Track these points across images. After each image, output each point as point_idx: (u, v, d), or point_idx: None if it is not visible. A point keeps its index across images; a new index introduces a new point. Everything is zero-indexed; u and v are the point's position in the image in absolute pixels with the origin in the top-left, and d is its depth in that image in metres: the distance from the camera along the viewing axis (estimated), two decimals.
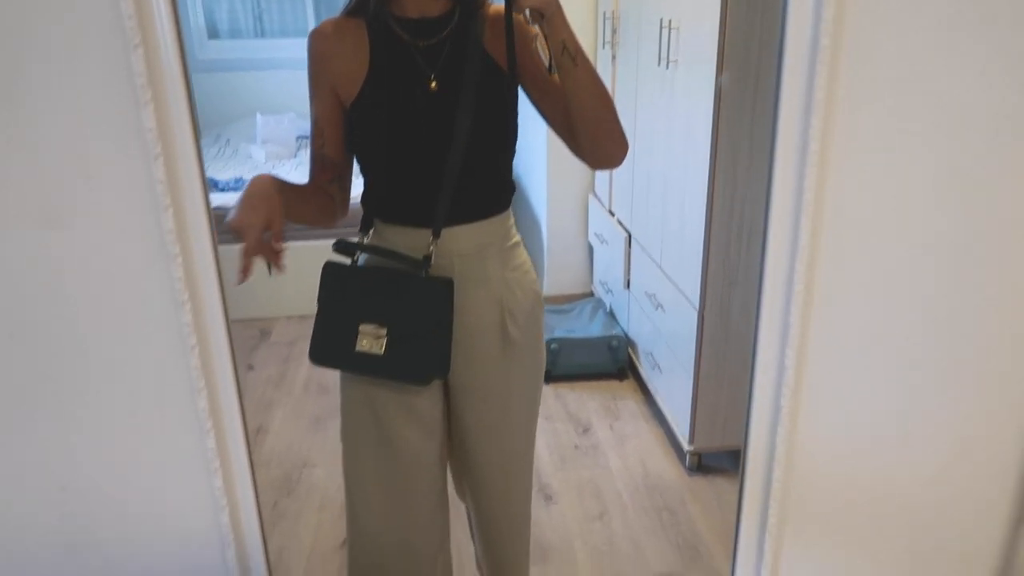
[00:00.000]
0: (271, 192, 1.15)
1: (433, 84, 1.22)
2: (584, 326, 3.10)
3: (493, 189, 1.31)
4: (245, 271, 1.10)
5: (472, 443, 1.41)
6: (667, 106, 2.44)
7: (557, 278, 3.62)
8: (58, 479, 1.29)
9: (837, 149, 1.19)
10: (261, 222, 1.11)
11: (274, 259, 1.14)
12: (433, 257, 1.25)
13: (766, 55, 2.01)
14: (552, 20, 1.09)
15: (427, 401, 1.34)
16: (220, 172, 4.21)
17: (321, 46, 1.26)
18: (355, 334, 1.26)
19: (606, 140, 1.23)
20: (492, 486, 1.45)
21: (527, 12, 1.09)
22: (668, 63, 2.37)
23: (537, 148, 3.54)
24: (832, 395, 1.34)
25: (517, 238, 1.36)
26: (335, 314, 1.28)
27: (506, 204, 1.33)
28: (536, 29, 1.14)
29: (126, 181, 1.14)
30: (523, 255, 1.38)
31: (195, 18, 5.17)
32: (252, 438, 2.66)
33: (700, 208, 2.19)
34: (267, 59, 5.24)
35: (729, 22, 1.97)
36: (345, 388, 1.37)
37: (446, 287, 1.25)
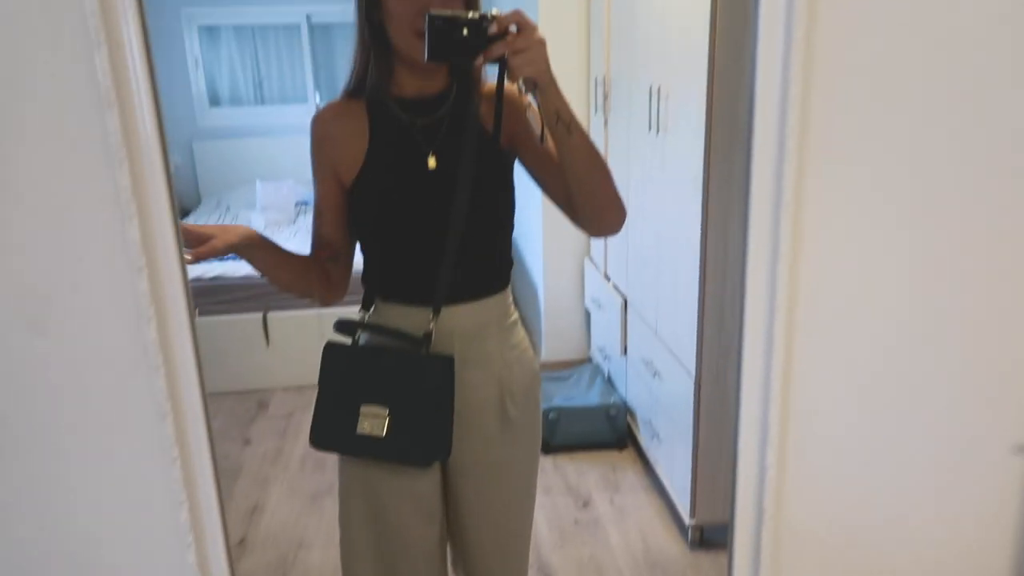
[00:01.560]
0: (248, 232, 1.22)
1: (432, 162, 1.23)
2: (582, 394, 3.06)
3: (492, 267, 1.32)
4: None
5: (470, 524, 1.39)
6: (659, 171, 2.44)
7: (555, 344, 3.59)
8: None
9: (810, 212, 1.18)
10: (216, 234, 1.18)
11: (192, 239, 1.17)
12: (433, 335, 1.25)
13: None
14: (546, 90, 1.10)
15: (427, 484, 1.33)
16: None
17: (321, 130, 1.29)
18: (356, 416, 1.25)
19: (604, 208, 1.23)
20: (490, 567, 1.42)
21: (520, 81, 1.09)
22: (658, 129, 2.39)
23: (532, 213, 3.56)
24: (818, 458, 1.31)
25: (516, 316, 1.37)
26: (336, 396, 1.28)
27: (506, 282, 1.34)
28: (529, 98, 1.15)
29: (110, 292, 1.12)
30: (521, 333, 1.38)
31: (197, 87, 5.27)
32: (248, 517, 2.62)
33: (693, 274, 2.17)
34: (267, 126, 5.32)
35: (716, 88, 1.98)
36: (344, 472, 1.35)
37: (447, 364, 1.25)
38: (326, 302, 1.37)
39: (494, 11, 1.09)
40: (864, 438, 1.30)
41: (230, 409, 3.44)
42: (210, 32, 5.24)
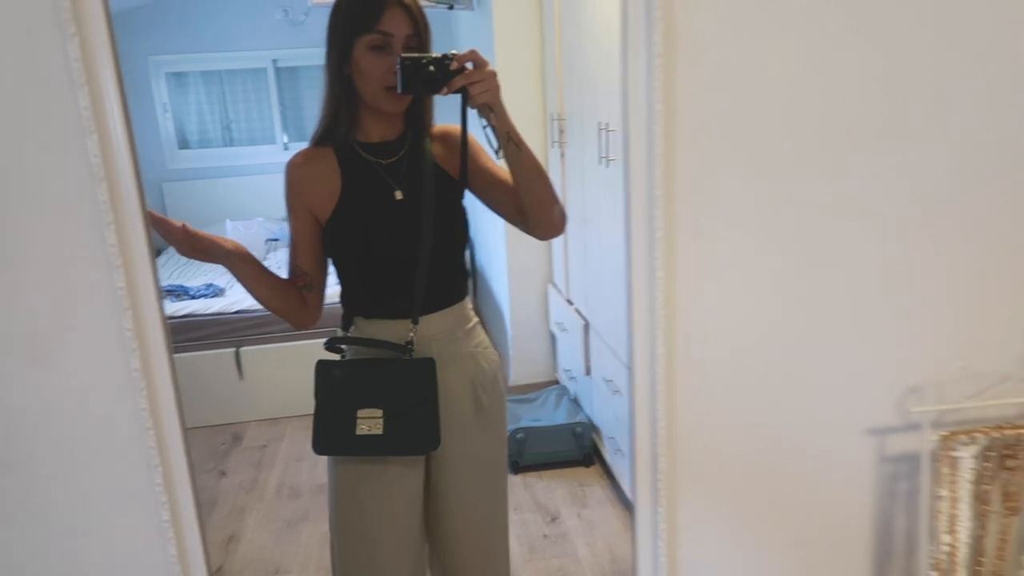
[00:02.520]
0: (240, 245, 1.42)
1: (399, 195, 1.43)
2: (549, 414, 3.17)
3: (456, 279, 1.51)
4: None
5: (451, 509, 1.54)
6: (609, 200, 2.59)
7: (522, 368, 3.71)
8: None
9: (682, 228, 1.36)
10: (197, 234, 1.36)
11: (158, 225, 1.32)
12: (414, 342, 1.44)
13: None
14: (499, 113, 1.33)
15: (413, 476, 1.49)
16: (191, 279, 4.30)
17: (296, 174, 1.46)
18: (354, 420, 1.41)
19: (548, 210, 1.44)
20: (472, 554, 1.56)
21: (478, 108, 1.33)
22: (608, 161, 2.55)
23: (497, 243, 3.69)
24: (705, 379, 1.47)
25: (476, 319, 1.56)
26: (333, 405, 1.44)
27: (466, 291, 1.54)
28: (483, 125, 1.37)
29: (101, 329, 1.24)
30: (483, 334, 1.57)
31: (166, 131, 5.37)
32: (225, 547, 2.68)
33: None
34: (236, 167, 5.42)
35: None
36: (336, 473, 1.49)
37: (429, 365, 1.42)
38: (301, 325, 1.51)
39: (453, 51, 1.31)
40: (745, 363, 1.45)
41: (205, 442, 3.49)
42: (178, 78, 5.36)
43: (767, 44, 1.31)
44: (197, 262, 4.80)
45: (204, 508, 2.97)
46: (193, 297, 3.92)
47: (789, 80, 1.32)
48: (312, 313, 1.51)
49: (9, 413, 1.26)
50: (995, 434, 1.42)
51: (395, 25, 1.34)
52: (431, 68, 1.29)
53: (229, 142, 5.52)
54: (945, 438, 1.42)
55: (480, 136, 1.42)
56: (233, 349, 3.68)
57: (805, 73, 1.32)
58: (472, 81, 1.29)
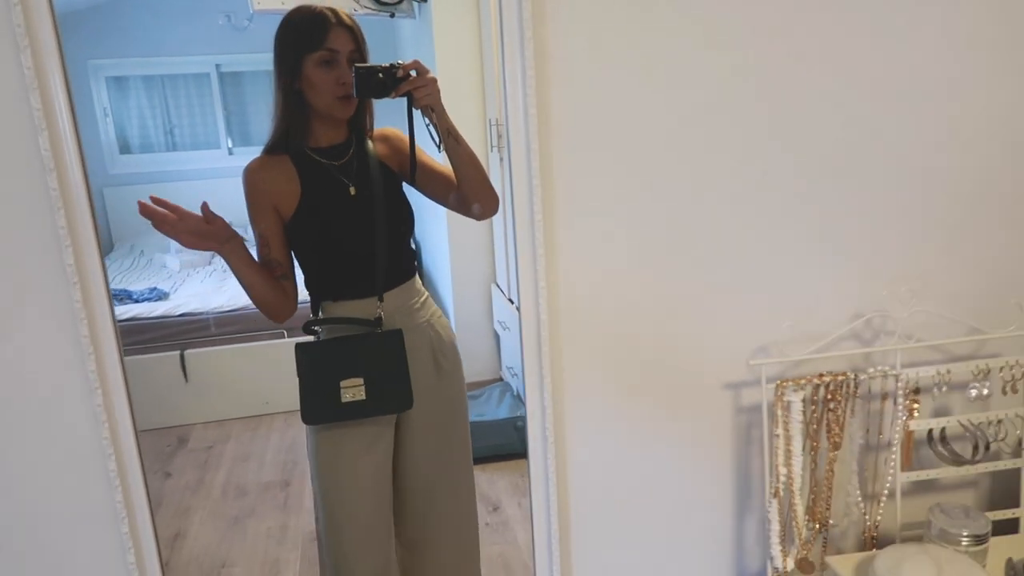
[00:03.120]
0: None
1: (352, 191, 1.62)
2: (492, 410, 3.28)
3: (408, 258, 1.72)
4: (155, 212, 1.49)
5: (419, 462, 1.75)
6: None
7: (468, 366, 3.72)
8: None
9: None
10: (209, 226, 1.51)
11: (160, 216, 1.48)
12: (382, 316, 1.63)
13: None
14: (440, 114, 1.54)
15: (385, 435, 1.70)
16: (134, 283, 4.30)
17: (256, 178, 1.61)
18: (338, 390, 1.60)
19: (484, 195, 1.65)
20: (440, 505, 1.76)
21: (422, 108, 1.53)
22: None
23: (441, 246, 3.79)
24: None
25: (427, 293, 1.77)
26: (317, 380, 1.62)
27: (415, 268, 1.75)
28: (426, 123, 1.57)
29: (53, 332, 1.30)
30: (434, 305, 1.79)
31: (106, 135, 5.32)
32: (171, 544, 2.71)
33: None
34: (179, 171, 5.40)
35: None
36: (317, 440, 1.67)
37: (398, 335, 1.64)
38: (283, 315, 1.64)
39: (399, 61, 1.52)
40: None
41: (150, 445, 3.50)
42: (118, 82, 5.32)
43: (628, 58, 1.52)
44: (141, 265, 4.80)
45: (151, 505, 2.98)
46: (136, 301, 3.92)
47: (646, 83, 1.54)
48: (292, 303, 1.66)
49: None
50: (817, 381, 1.66)
51: (340, 42, 1.54)
52: (380, 76, 1.49)
53: (172, 147, 5.50)
54: (779, 385, 1.65)
55: (423, 135, 1.60)
56: (178, 352, 3.69)
57: (660, 75, 1.54)
58: (416, 86, 1.50)
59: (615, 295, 1.62)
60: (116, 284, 4.25)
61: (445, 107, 1.55)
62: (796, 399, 1.63)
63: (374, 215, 1.60)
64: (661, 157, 1.57)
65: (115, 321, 1.38)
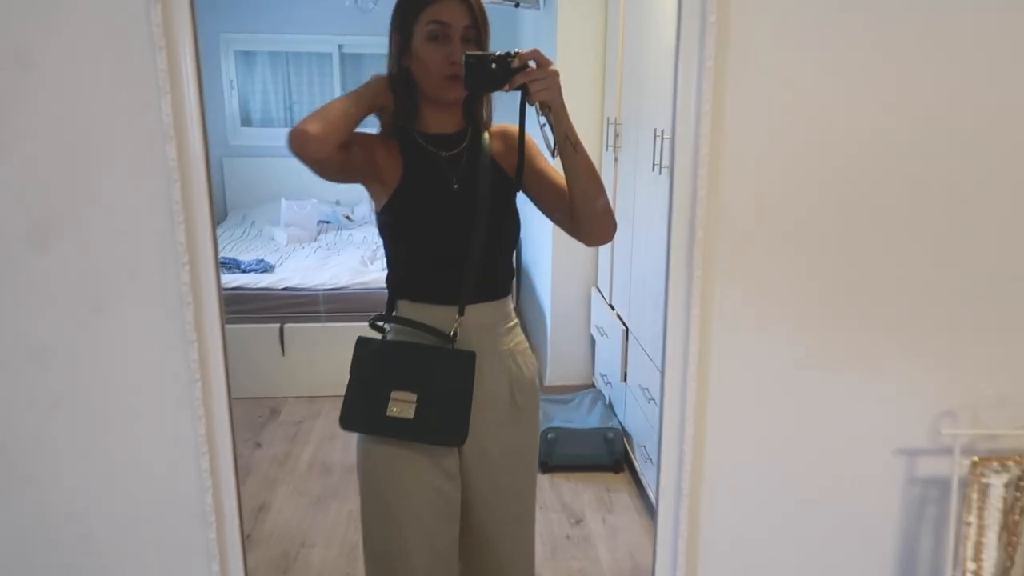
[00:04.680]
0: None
1: (456, 186, 1.46)
2: (582, 417, 3.18)
3: (503, 274, 1.53)
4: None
5: (482, 503, 1.53)
6: (659, 208, 2.59)
7: (559, 369, 3.72)
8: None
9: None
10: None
11: None
12: (458, 332, 1.44)
13: None
14: (557, 112, 1.35)
15: (443, 468, 1.47)
16: (244, 253, 4.41)
17: (371, 137, 1.48)
18: (387, 401, 1.42)
19: (599, 216, 1.45)
20: (500, 551, 1.57)
21: (538, 104, 1.35)
22: (661, 169, 2.54)
23: (543, 243, 3.70)
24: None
25: (516, 320, 1.56)
26: (368, 383, 1.45)
27: (510, 288, 1.55)
28: (541, 123, 1.39)
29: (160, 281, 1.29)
30: (521, 334, 1.58)
31: (230, 107, 5.50)
32: (255, 515, 2.75)
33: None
34: None
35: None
36: (366, 453, 1.48)
37: (470, 358, 1.43)
38: (317, 147, 1.33)
39: (516, 50, 1.33)
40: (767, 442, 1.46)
41: (243, 414, 3.58)
42: (246, 56, 5.49)
43: (819, 59, 1.31)
44: (251, 235, 4.93)
45: (238, 476, 3.05)
46: (244, 271, 4.02)
47: (836, 96, 1.33)
48: (338, 151, 1.37)
49: (68, 353, 1.32)
50: None
51: (452, 15, 1.38)
52: (493, 65, 1.33)
53: (291, 122, 5.63)
54: (976, 464, 1.40)
55: (538, 136, 1.44)
56: (278, 325, 3.76)
57: (854, 92, 1.33)
58: (533, 79, 1.32)
59: (778, 322, 1.41)
60: (226, 252, 4.37)
61: (566, 106, 1.37)
62: (998, 483, 1.40)
63: (474, 216, 1.43)
64: (842, 179, 1.36)
65: (222, 307, 1.33)
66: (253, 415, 3.59)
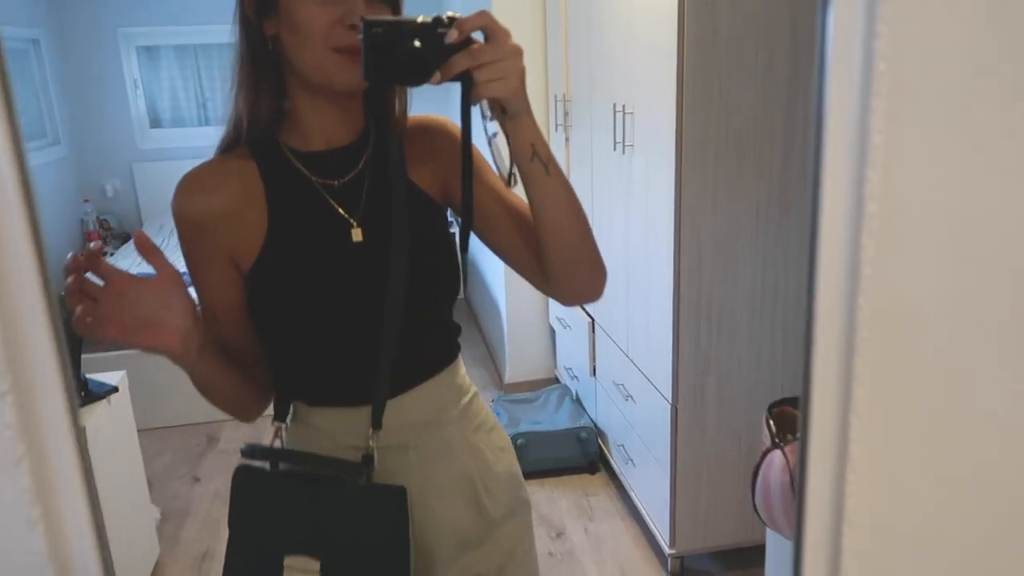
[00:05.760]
0: (199, 323, 0.89)
1: (357, 233, 0.95)
2: (550, 417, 2.97)
3: (441, 340, 1.05)
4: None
5: None
6: (625, 190, 2.38)
7: (519, 364, 3.50)
8: None
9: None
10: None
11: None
12: (376, 451, 0.96)
13: (724, 136, 1.97)
14: (518, 116, 0.85)
15: None
16: None
17: (199, 206, 0.93)
18: (279, 569, 0.95)
19: (583, 266, 0.96)
20: None
21: (483, 105, 0.85)
22: (624, 147, 2.32)
23: None
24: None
25: (474, 388, 1.10)
26: (252, 543, 0.99)
27: (456, 350, 1.07)
28: (491, 132, 0.89)
29: None
30: (484, 408, 1.11)
31: (136, 108, 5.06)
32: (197, 566, 2.45)
33: (666, 296, 2.10)
34: (211, 147, 5.07)
35: (685, 105, 1.93)
36: None
37: (397, 497, 0.93)
38: (253, 413, 1.05)
39: (450, 13, 0.82)
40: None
41: (178, 445, 3.25)
42: (149, 52, 5.05)
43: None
44: (172, 244, 4.53)
45: (176, 519, 2.74)
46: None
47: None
48: (267, 396, 1.05)
49: None
50: None
51: None
52: (416, 43, 0.80)
53: (204, 121, 5.22)
54: None
55: (483, 149, 0.97)
56: None
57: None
58: (480, 62, 0.80)
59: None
60: (142, 268, 3.98)
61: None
62: None
63: (388, 276, 0.93)
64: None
65: (72, 398, 1.01)
66: (189, 445, 3.26)
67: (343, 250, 0.95)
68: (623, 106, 2.28)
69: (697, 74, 1.92)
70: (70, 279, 0.79)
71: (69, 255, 0.79)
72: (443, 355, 1.05)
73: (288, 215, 0.95)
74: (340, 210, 0.95)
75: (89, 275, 0.81)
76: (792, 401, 1.26)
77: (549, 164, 0.88)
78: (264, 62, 0.93)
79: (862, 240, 0.67)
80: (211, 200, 0.94)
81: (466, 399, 1.07)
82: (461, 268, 1.00)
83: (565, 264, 0.95)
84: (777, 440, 1.21)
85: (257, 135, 0.95)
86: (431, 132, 1.02)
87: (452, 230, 1.03)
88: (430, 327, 1.02)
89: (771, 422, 1.23)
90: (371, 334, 0.94)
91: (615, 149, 2.37)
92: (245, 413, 1.04)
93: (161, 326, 0.84)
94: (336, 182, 0.96)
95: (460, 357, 1.08)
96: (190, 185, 0.94)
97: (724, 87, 1.94)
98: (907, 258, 0.72)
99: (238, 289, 0.96)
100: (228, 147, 0.97)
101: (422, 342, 1.00)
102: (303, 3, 0.87)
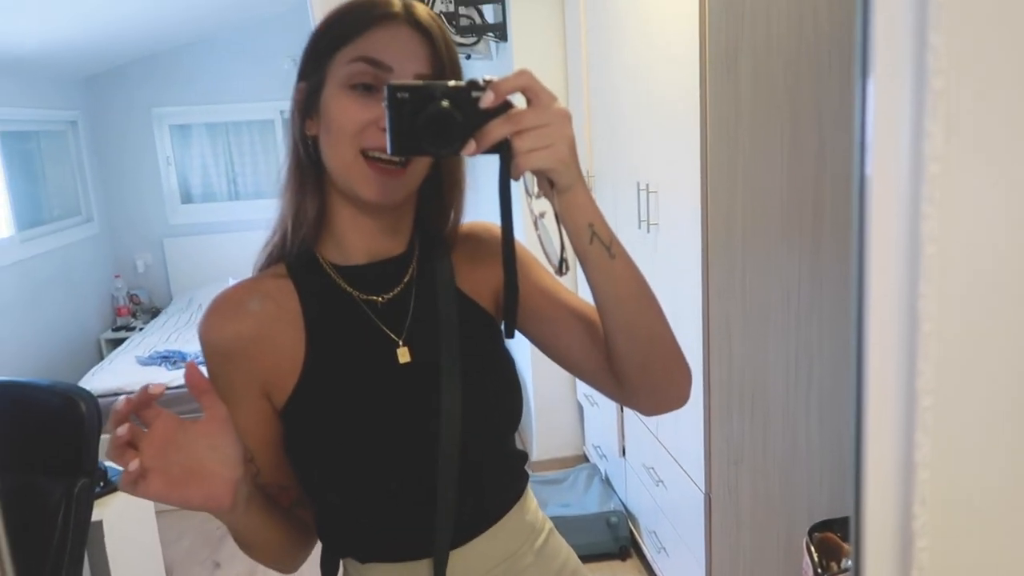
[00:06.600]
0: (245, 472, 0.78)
1: (403, 355, 0.86)
2: (579, 499, 2.87)
3: (506, 473, 0.92)
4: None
5: None
6: (649, 269, 2.32)
7: (547, 441, 3.41)
8: None
9: None
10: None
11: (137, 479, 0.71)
12: None
13: (751, 214, 1.93)
14: (569, 190, 0.73)
15: None
16: (190, 342, 4.05)
17: (225, 329, 0.84)
18: None
19: (661, 364, 0.84)
20: None
21: (527, 181, 0.73)
22: (648, 226, 2.29)
23: None
24: None
25: (548, 524, 0.97)
26: None
27: (524, 482, 0.94)
28: (538, 211, 0.77)
29: None
30: (563, 547, 0.97)
31: (168, 184, 5.17)
32: None
33: (696, 379, 2.03)
34: (241, 221, 5.21)
35: (710, 184, 1.90)
36: None
37: None
38: (296, 566, 0.95)
39: (486, 76, 0.73)
40: None
41: (198, 528, 3.19)
42: (182, 130, 5.18)
43: None
44: (196, 323, 4.57)
45: None
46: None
47: None
48: (314, 538, 0.95)
49: None
50: None
51: (395, 51, 0.79)
52: (444, 104, 0.71)
53: (235, 196, 5.32)
54: None
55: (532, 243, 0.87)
56: None
57: None
58: (522, 128, 0.69)
59: None
60: (170, 344, 4.00)
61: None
62: None
63: (440, 403, 0.83)
64: None
65: None
66: (209, 528, 3.19)
67: (387, 373, 0.85)
68: (647, 184, 2.26)
69: (721, 152, 1.89)
70: (122, 429, 0.69)
71: (121, 399, 0.70)
72: (510, 491, 0.92)
73: (328, 337, 0.86)
74: (384, 329, 0.87)
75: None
76: (834, 524, 1.18)
77: (612, 245, 0.77)
78: (306, 164, 0.85)
79: (919, 367, 0.58)
80: (243, 324, 0.84)
81: (541, 540, 0.93)
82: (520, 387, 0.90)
83: (639, 365, 0.83)
84: (820, 571, 1.13)
85: (300, 246, 0.87)
86: (476, 237, 0.93)
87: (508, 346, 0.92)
88: (493, 459, 0.90)
89: (812, 549, 1.15)
90: (426, 472, 0.83)
91: (640, 227, 2.34)
92: (290, 563, 0.93)
93: (211, 478, 0.74)
94: (380, 298, 0.88)
95: (529, 488, 0.95)
96: (221, 306, 0.85)
97: (748, 165, 1.91)
98: (969, 377, 0.62)
99: (275, 425, 0.86)
100: (272, 256, 0.90)
101: (485, 478, 0.88)
102: (340, 101, 0.79)
